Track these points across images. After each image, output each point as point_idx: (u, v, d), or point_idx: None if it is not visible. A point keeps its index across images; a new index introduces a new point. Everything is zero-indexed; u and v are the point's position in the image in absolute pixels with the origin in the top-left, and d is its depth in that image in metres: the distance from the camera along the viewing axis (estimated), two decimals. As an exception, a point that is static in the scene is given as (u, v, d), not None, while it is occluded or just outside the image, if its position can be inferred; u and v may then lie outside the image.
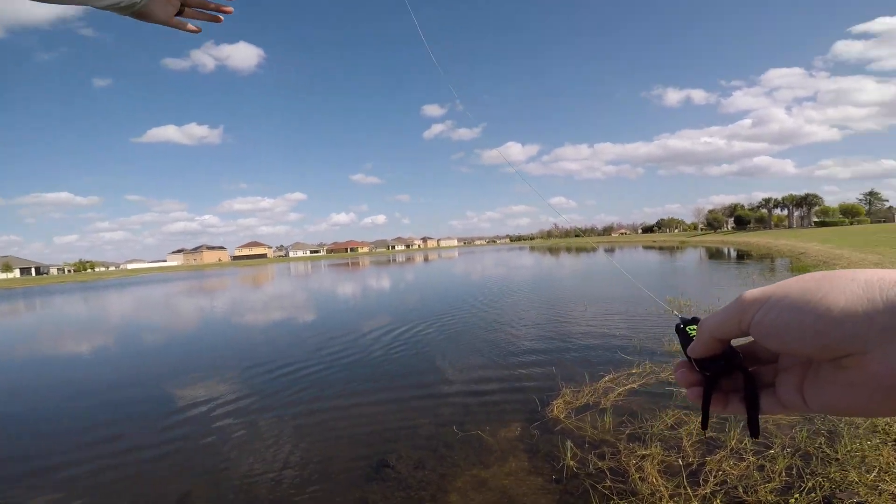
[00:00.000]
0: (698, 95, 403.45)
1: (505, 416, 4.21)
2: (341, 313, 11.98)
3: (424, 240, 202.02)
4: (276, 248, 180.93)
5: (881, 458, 2.83)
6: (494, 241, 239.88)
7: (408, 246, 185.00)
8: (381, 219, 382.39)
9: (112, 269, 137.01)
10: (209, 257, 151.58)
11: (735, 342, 0.38)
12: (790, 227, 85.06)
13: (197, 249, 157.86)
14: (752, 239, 47.28)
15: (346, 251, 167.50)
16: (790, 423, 3.51)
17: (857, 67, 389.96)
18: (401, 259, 62.28)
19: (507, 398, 4.71)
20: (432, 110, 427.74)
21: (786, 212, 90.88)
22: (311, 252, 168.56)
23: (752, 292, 0.34)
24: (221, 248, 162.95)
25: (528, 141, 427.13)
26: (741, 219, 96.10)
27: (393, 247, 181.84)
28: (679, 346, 0.42)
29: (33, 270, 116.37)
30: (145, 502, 3.24)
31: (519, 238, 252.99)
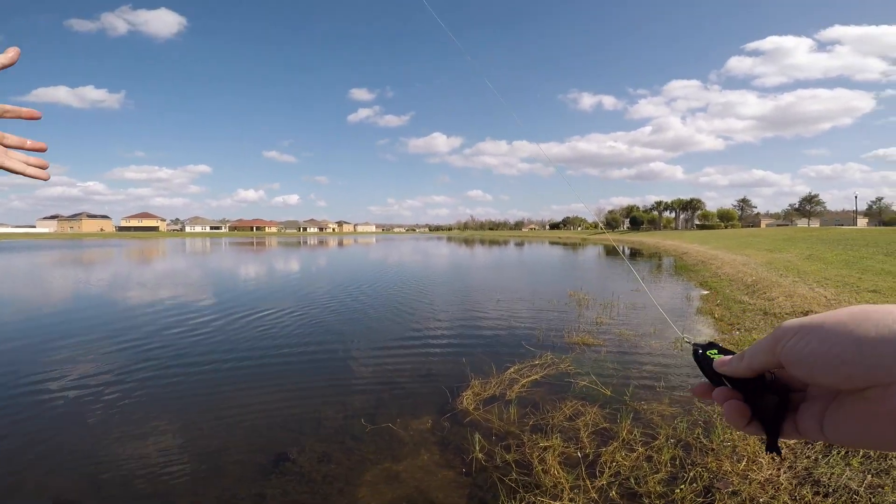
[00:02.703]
0: (609, 101, 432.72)
1: (416, 407, 4.20)
2: (240, 296, 11.16)
3: (340, 224, 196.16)
4: (171, 221, 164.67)
5: (749, 447, 3.17)
6: (414, 230, 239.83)
7: (321, 229, 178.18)
8: (293, 199, 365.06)
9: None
10: (89, 226, 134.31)
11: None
12: (676, 228, 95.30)
13: (75, 216, 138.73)
14: (645, 239, 52.33)
15: (252, 230, 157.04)
16: (671, 415, 3.86)
17: (744, 82, 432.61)
18: (312, 242, 59.88)
19: (418, 389, 4.71)
20: (360, 94, 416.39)
21: (673, 214, 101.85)
22: (212, 228, 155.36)
23: (791, 322, 0.36)
24: (105, 216, 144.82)
25: (453, 133, 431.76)
26: (636, 220, 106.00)
27: (305, 229, 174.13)
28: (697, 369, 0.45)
29: None
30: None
31: (438, 228, 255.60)
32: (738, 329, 6.69)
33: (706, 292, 10.66)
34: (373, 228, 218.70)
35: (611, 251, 32.99)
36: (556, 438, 3.45)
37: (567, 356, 5.59)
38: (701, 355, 0.45)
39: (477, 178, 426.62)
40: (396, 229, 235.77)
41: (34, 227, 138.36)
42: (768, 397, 0.40)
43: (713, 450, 3.21)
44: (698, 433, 3.47)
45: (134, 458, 3.32)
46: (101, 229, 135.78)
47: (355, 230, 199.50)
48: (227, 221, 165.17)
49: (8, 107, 0.57)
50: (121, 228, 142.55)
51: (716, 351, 0.45)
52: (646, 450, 3.27)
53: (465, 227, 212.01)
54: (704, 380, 0.45)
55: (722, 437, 3.35)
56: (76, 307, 9.86)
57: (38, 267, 20.60)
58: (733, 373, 0.41)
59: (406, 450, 3.42)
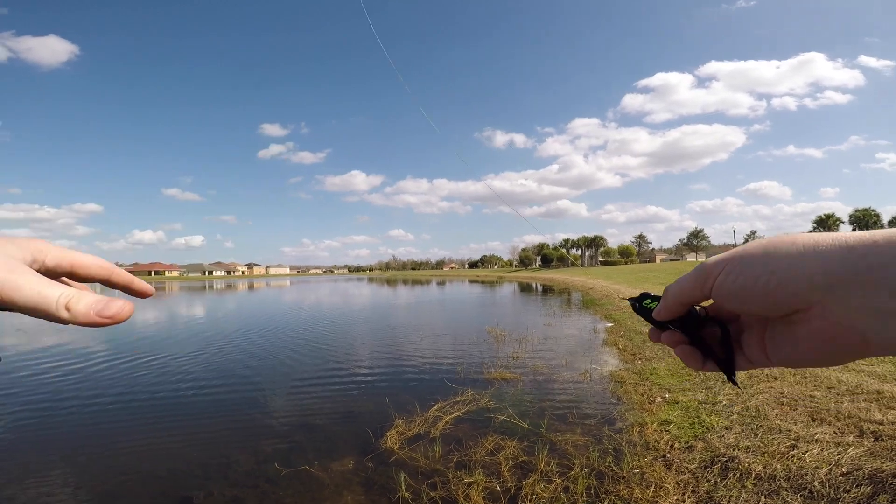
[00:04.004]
0: (520, 139, 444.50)
1: (337, 448, 4.07)
2: (138, 343, 10.04)
3: (250, 266, 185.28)
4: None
5: (655, 473, 3.37)
6: (332, 271, 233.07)
7: (229, 272, 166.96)
8: (197, 240, 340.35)
9: None
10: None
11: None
12: (583, 265, 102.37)
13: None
14: (555, 276, 55.59)
15: (150, 274, 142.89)
16: (584, 444, 4.04)
17: (637, 119, 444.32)
18: (219, 286, 55.79)
19: (339, 430, 4.57)
20: (272, 130, 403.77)
21: (580, 251, 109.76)
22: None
23: (711, 260, 0.39)
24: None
25: (373, 171, 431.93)
26: (546, 257, 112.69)
27: (210, 272, 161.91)
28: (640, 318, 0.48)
29: None
30: None
31: (358, 269, 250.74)
32: (640, 358, 7.33)
33: (611, 324, 11.55)
34: (286, 270, 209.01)
35: (525, 288, 34.58)
36: (479, 474, 3.51)
37: (487, 391, 5.75)
38: (639, 308, 0.48)
39: (398, 217, 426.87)
40: (313, 271, 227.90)
41: None
42: (710, 330, 0.42)
43: (624, 477, 3.35)
44: (609, 461, 3.60)
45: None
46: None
47: (267, 272, 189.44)
48: (122, 265, 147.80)
49: (127, 276, 0.48)
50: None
51: (650, 300, 0.47)
52: (563, 480, 3.39)
53: (388, 267, 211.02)
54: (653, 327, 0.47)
55: (631, 465, 3.51)
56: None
57: None
58: (669, 316, 0.43)
59: (327, 492, 3.31)
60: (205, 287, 51.85)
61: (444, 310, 18.97)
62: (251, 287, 49.95)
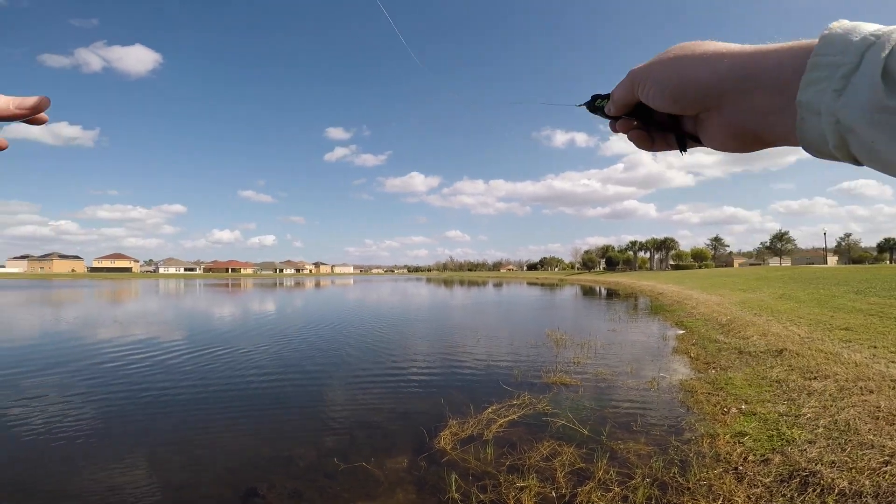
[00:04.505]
0: (581, 138, 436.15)
1: (393, 446, 4.11)
2: (214, 335, 10.82)
3: (317, 265, 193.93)
4: (145, 262, 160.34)
5: (724, 486, 3.16)
6: (392, 271, 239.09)
7: (298, 270, 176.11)
8: (269, 239, 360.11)
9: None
10: (60, 267, 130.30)
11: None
12: (651, 269, 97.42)
13: (46, 257, 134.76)
14: (621, 279, 53.33)
15: (227, 271, 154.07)
16: (648, 454, 3.84)
17: None
18: (289, 283, 58.97)
19: (394, 428, 4.62)
20: (336, 133, 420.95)
21: (648, 254, 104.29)
22: (186, 270, 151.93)
23: (637, 68, 0.44)
24: (76, 257, 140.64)
25: (431, 172, 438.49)
26: (611, 260, 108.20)
27: (281, 270, 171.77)
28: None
29: None
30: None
31: (417, 269, 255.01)
32: (714, 367, 6.81)
33: (682, 332, 10.85)
34: (350, 270, 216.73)
35: (588, 291, 33.43)
36: (533, 478, 3.40)
37: (544, 396, 5.58)
38: (592, 107, 0.52)
39: (455, 218, 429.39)
40: (375, 270, 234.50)
41: (3, 266, 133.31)
42: (657, 114, 0.47)
43: (689, 489, 3.19)
44: (674, 472, 3.44)
45: (100, 493, 3.18)
46: (73, 270, 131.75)
47: (332, 271, 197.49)
48: (202, 263, 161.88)
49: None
50: (93, 269, 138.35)
51: (601, 100, 0.52)
52: (622, 489, 3.24)
53: (445, 267, 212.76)
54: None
55: (698, 476, 3.33)
56: (43, 344, 9.38)
57: (9, 306, 19.64)
58: (618, 112, 0.49)
59: (381, 489, 3.34)
60: (276, 284, 55.04)
61: (500, 312, 18.76)
62: (318, 285, 52.36)
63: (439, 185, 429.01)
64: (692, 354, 7.97)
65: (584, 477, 3.47)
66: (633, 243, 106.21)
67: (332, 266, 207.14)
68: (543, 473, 3.54)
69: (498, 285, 49.37)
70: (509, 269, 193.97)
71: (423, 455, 3.90)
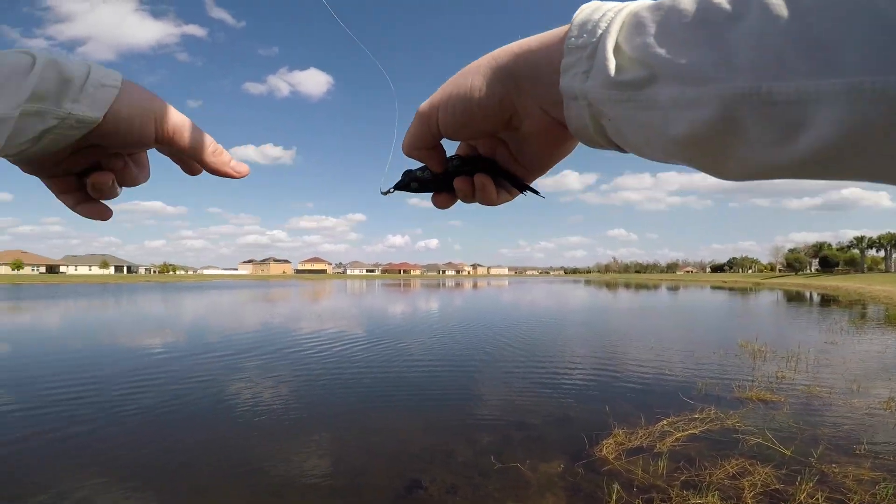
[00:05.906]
0: None
1: (548, 450, 3.89)
2: (388, 330, 11.99)
3: (474, 266, 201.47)
4: (336, 265, 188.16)
5: None
6: (547, 273, 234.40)
7: (458, 272, 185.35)
8: (433, 243, 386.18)
9: (190, 272, 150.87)
10: (275, 269, 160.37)
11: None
12: (888, 270, 76.31)
13: (265, 261, 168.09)
14: (841, 283, 43.00)
15: (400, 273, 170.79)
16: (873, 479, 3.14)
17: None
18: (450, 284, 62.42)
19: (551, 433, 4.38)
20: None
21: (882, 253, 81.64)
22: (367, 271, 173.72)
23: (425, 104, 0.39)
24: (286, 261, 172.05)
25: (586, 170, 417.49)
26: (828, 260, 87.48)
27: (443, 271, 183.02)
28: None
29: (125, 269, 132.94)
30: (167, 490, 3.23)
31: (574, 271, 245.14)
32: None
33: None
34: (505, 271, 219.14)
35: (793, 297, 27.71)
36: (714, 496, 2.91)
37: (736, 411, 4.71)
38: (402, 185, 0.45)
39: (617, 216, 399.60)
40: (529, 272, 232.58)
41: (236, 269, 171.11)
42: (481, 161, 0.41)
43: None
44: None
45: (289, 466, 3.67)
46: (284, 272, 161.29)
47: (489, 272, 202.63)
48: (380, 265, 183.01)
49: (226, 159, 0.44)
50: (298, 271, 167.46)
51: (418, 171, 0.43)
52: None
53: (607, 269, 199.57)
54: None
55: None
56: (255, 334, 11.66)
57: (237, 303, 25.16)
58: (420, 158, 0.41)
59: (531, 491, 3.17)
60: (439, 285, 58.81)
61: (678, 317, 16.70)
62: (475, 286, 54.24)
63: (596, 181, 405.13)
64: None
65: (780, 499, 2.95)
66: (860, 239, 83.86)
67: (488, 267, 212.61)
68: (727, 492, 3.04)
69: (673, 289, 44.30)
70: (687, 271, 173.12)
71: (581, 462, 3.59)
